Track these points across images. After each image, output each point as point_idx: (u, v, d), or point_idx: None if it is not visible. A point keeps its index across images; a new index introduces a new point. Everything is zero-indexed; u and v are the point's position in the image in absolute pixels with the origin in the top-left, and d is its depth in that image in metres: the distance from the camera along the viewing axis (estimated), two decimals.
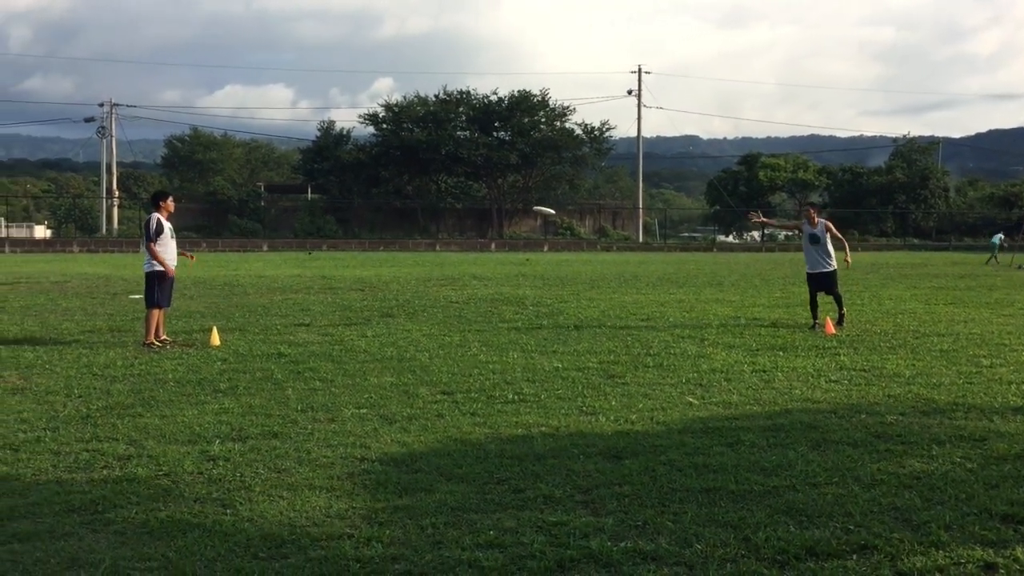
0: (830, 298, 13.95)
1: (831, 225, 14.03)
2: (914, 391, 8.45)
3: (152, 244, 11.68)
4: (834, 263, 13.95)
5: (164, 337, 11.63)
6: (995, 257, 39.63)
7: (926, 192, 76.20)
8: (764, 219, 15.94)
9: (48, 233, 66.21)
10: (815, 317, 13.68)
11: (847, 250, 14.37)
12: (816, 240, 13.94)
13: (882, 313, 15.66)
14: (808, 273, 14.10)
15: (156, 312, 11.58)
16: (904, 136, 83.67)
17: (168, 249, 11.88)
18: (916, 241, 71.16)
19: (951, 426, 7.01)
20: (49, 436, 6.68)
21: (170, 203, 12.07)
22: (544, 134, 68.69)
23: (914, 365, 9.96)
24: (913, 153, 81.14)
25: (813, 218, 14.12)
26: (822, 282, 13.88)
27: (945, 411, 7.57)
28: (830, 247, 13.94)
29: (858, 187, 77.00)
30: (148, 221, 11.83)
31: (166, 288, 11.80)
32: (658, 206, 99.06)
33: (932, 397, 8.17)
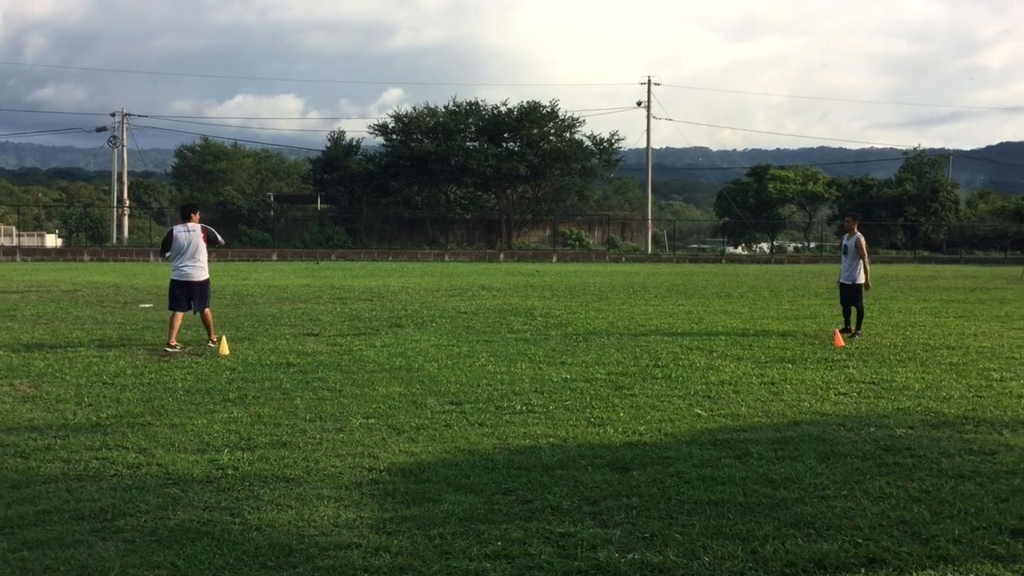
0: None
1: (862, 242, 14.18)
2: (923, 404, 8.43)
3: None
4: (857, 278, 14.12)
5: (175, 344, 11.74)
6: None
7: (936, 205, 76.05)
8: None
9: (59, 242, 66.65)
10: (847, 321, 14.08)
11: (867, 275, 14.21)
12: (846, 251, 14.41)
13: (892, 326, 15.61)
14: (839, 281, 14.46)
15: None
16: (915, 148, 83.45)
17: None
18: (926, 254, 70.98)
19: (960, 439, 6.99)
20: (59, 444, 6.71)
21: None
22: (553, 145, 68.77)
23: (923, 378, 9.93)
24: (923, 166, 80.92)
25: (852, 229, 14.40)
26: (844, 293, 14.22)
27: (955, 424, 7.55)
28: (856, 261, 14.13)
29: (868, 199, 76.86)
30: (212, 229, 12.30)
31: None
32: (667, 217, 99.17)
33: (941, 410, 8.14)
